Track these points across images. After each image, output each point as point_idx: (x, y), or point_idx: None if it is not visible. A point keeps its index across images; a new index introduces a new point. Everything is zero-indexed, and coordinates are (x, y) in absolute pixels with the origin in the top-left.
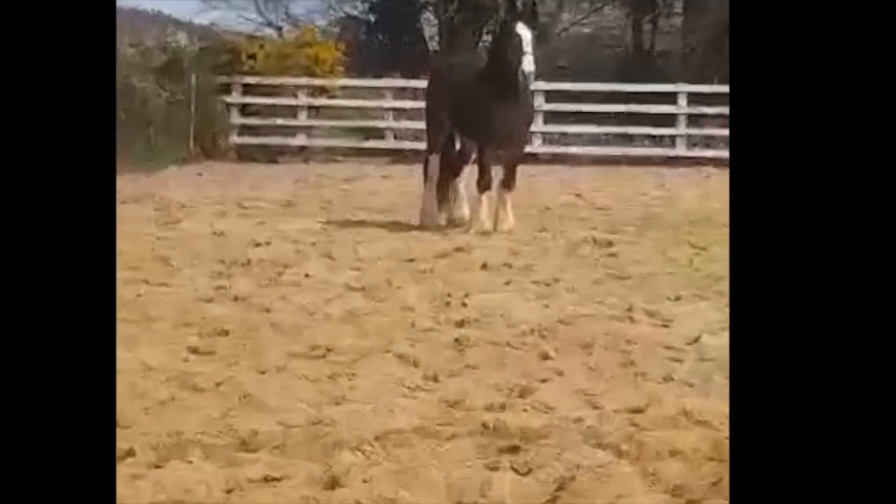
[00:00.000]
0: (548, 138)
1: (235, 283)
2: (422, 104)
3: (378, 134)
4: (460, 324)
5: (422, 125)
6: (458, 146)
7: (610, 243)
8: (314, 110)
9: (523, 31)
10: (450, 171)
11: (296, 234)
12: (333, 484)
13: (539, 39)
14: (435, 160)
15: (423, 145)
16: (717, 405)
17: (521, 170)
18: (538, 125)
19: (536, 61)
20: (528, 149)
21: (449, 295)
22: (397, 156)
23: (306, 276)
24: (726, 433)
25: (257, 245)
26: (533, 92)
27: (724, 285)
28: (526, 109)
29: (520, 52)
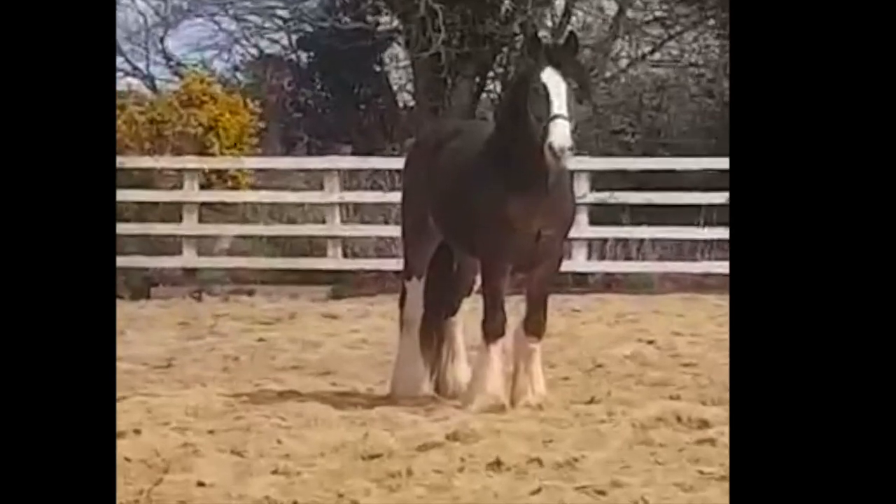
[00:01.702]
0: (598, 249)
1: None
2: (390, 198)
3: (317, 247)
4: None
5: (390, 232)
6: (453, 267)
7: (704, 423)
8: (211, 210)
9: (553, 80)
10: (440, 307)
11: (181, 416)
12: None
13: (581, 90)
14: (416, 290)
15: (394, 265)
16: None
17: (556, 302)
18: (581, 228)
19: (575, 127)
20: (565, 267)
21: None
22: (348, 283)
23: (199, 485)
24: None
25: (119, 435)
26: (572, 174)
27: None
28: (559, 204)
29: (547, 114)
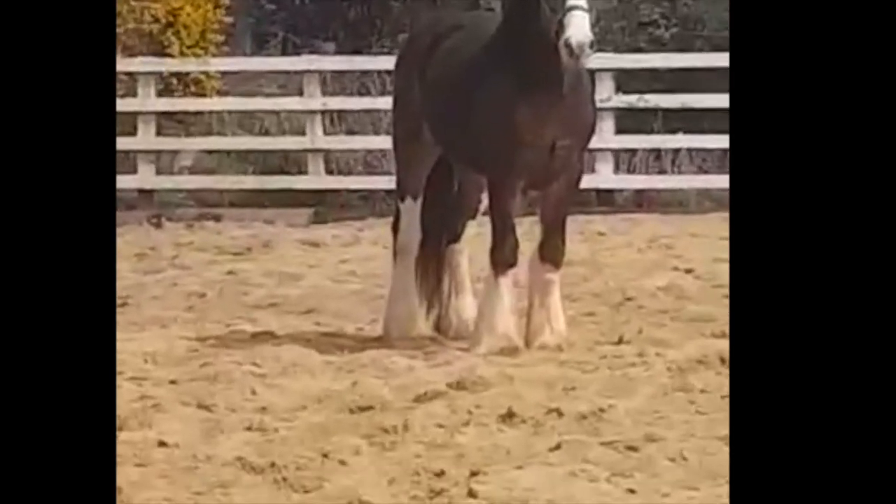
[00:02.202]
0: (626, 162)
1: None
2: (380, 104)
3: (296, 163)
4: None
5: (380, 144)
6: (455, 185)
7: None
8: (172, 120)
9: None
10: (440, 232)
11: (138, 363)
12: None
13: None
14: (412, 212)
15: (385, 183)
16: None
17: (578, 224)
18: (605, 138)
19: (597, 19)
20: (587, 182)
21: (441, 474)
22: (333, 205)
23: (160, 444)
24: None
25: None
26: (593, 74)
27: None
28: (578, 110)
29: (562, 5)
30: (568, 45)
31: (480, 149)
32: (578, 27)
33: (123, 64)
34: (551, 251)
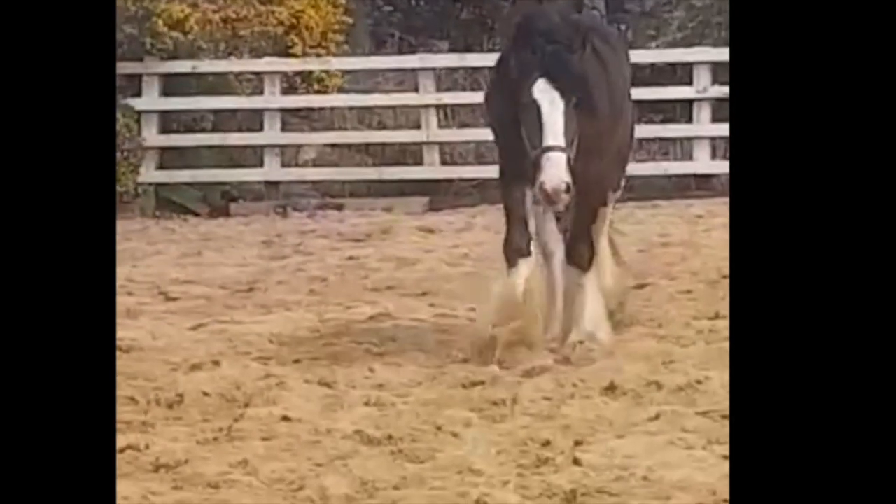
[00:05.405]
0: (723, 148)
1: (157, 435)
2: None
3: (412, 155)
4: (570, 497)
5: (492, 135)
6: None
7: None
8: (296, 117)
9: (548, 98)
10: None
11: (264, 344)
12: None
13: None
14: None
15: (496, 172)
16: None
17: (678, 208)
18: (703, 126)
19: (695, 13)
20: (685, 169)
21: (547, 444)
22: (447, 193)
23: (284, 419)
24: None
25: (194, 367)
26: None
27: None
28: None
29: (539, 142)
30: (543, 190)
31: None
32: (553, 174)
33: (250, 64)
34: (576, 256)
